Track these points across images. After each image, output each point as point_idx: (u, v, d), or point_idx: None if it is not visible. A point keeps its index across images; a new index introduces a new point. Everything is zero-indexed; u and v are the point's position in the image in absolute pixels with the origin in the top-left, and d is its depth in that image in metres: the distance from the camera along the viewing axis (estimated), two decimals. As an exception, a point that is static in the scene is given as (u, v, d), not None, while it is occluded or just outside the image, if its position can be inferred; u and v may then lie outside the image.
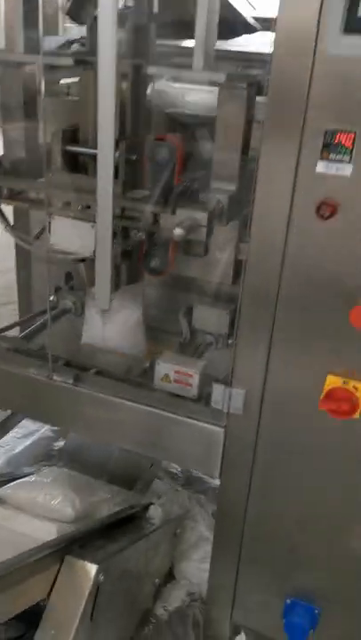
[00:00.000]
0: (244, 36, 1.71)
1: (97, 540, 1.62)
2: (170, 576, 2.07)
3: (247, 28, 1.69)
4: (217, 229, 1.51)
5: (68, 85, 1.86)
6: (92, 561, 1.44)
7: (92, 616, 1.44)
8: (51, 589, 1.42)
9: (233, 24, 1.61)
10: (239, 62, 1.67)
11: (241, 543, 1.63)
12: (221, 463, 1.56)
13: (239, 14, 1.63)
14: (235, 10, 1.63)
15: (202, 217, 1.44)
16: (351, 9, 1.05)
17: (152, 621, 1.92)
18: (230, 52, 1.74)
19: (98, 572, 1.43)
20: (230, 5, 1.62)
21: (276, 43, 1.12)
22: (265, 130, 1.20)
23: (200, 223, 1.44)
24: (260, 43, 1.70)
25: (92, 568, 1.43)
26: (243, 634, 1.87)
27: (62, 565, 1.43)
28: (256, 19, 1.75)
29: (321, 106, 1.13)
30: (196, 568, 2.05)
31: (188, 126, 1.66)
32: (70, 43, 1.76)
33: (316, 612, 1.59)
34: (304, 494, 1.49)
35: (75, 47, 1.76)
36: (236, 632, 1.87)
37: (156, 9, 1.55)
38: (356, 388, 1.31)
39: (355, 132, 1.12)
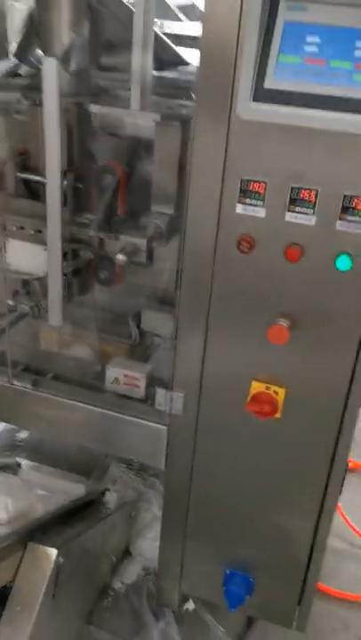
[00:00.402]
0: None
1: (57, 526, 1.82)
2: (126, 553, 2.29)
3: (180, 62, 1.85)
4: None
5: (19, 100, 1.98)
6: (52, 545, 1.65)
7: (54, 594, 1.65)
8: (16, 573, 1.62)
9: (166, 59, 1.77)
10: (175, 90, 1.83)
11: (186, 523, 1.85)
12: (166, 456, 1.77)
13: (172, 49, 1.79)
14: (168, 45, 1.78)
15: (141, 243, 1.62)
16: (259, 81, 1.23)
17: (110, 594, 2.15)
18: (166, 79, 1.89)
19: (58, 556, 1.64)
20: (164, 42, 1.78)
21: (198, 103, 1.30)
22: (192, 174, 1.38)
23: (140, 248, 1.63)
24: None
25: (53, 552, 1.63)
26: (191, 601, 2.12)
27: (25, 551, 1.63)
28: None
29: (237, 159, 1.32)
30: (150, 545, 2.27)
31: (132, 150, 1.81)
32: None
33: (251, 580, 1.84)
34: (235, 480, 1.71)
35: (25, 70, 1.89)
36: (184, 600, 2.11)
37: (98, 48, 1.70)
38: (276, 393, 1.53)
39: (265, 182, 1.31)
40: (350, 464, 2.81)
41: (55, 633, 1.78)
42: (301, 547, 1.73)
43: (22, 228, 1.72)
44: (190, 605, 2.11)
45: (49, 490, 2.00)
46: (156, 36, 1.75)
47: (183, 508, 1.83)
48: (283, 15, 1.20)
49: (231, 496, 1.75)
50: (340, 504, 2.49)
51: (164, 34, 1.81)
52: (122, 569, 2.24)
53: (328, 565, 2.33)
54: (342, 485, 1.66)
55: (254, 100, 1.25)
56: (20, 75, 1.90)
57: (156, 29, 1.72)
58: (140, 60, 1.55)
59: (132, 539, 2.32)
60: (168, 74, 1.79)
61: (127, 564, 2.26)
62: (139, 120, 1.62)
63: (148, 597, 2.12)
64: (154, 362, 1.99)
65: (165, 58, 1.80)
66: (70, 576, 1.74)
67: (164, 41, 1.77)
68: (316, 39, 1.20)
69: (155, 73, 1.76)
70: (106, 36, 1.66)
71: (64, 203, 1.67)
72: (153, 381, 1.83)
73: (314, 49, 1.20)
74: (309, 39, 1.20)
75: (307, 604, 1.83)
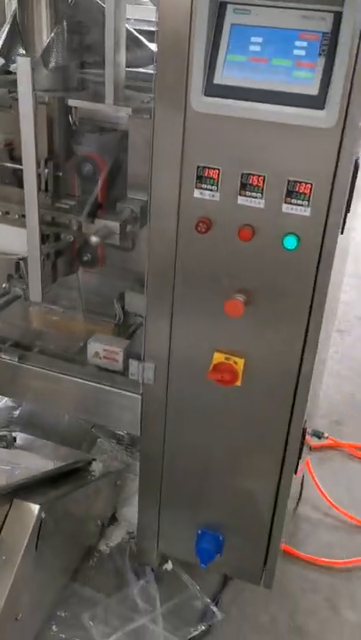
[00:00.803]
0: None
1: (43, 487, 1.99)
2: (114, 519, 2.45)
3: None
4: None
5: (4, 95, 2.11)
6: (35, 502, 1.81)
7: (37, 546, 1.81)
8: (2, 526, 1.78)
9: (141, 56, 1.90)
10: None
11: (161, 487, 2.00)
12: (141, 423, 1.93)
13: (146, 47, 1.92)
14: (142, 43, 1.92)
15: (115, 226, 1.77)
16: (209, 77, 1.37)
17: (96, 555, 2.31)
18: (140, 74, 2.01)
19: (40, 511, 1.80)
20: (138, 39, 1.91)
21: (156, 97, 1.44)
22: (153, 162, 1.52)
23: (114, 231, 1.78)
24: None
25: (35, 508, 1.80)
26: (170, 562, 2.28)
27: (11, 507, 1.80)
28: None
29: (193, 148, 1.46)
30: (135, 512, 2.41)
31: (110, 141, 1.95)
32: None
33: (221, 538, 1.98)
34: (203, 445, 1.86)
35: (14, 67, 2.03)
36: (164, 560, 2.27)
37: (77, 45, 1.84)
38: (235, 362, 1.67)
39: (219, 169, 1.45)
40: (332, 442, 2.96)
41: (39, 585, 1.95)
42: (265, 508, 1.87)
43: (7, 213, 1.88)
44: (169, 566, 2.26)
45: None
46: (132, 34, 1.89)
47: (158, 473, 1.98)
48: (230, 18, 1.34)
49: (200, 461, 1.89)
50: (317, 478, 2.65)
51: (142, 31, 1.94)
52: (108, 533, 2.40)
53: (303, 532, 2.49)
54: (301, 449, 1.80)
55: (206, 94, 1.38)
56: (10, 72, 2.05)
57: (130, 28, 1.85)
58: (113, 58, 1.68)
59: (119, 506, 2.48)
60: (143, 70, 1.92)
61: (113, 529, 2.42)
62: (114, 113, 1.76)
63: (131, 558, 2.28)
64: (137, 339, 2.13)
65: (142, 54, 1.93)
66: (53, 532, 1.90)
67: (139, 39, 1.90)
68: (260, 39, 1.33)
69: (133, 70, 1.90)
70: (83, 35, 1.79)
71: (45, 189, 1.82)
72: (131, 356, 1.98)
73: (258, 48, 1.34)
74: (254, 40, 1.34)
75: (272, 563, 1.97)
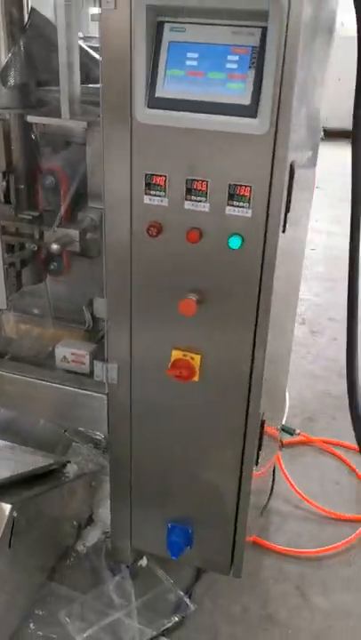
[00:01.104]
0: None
1: (16, 488, 2.06)
2: (91, 520, 2.52)
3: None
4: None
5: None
6: (7, 502, 1.88)
7: (10, 545, 1.88)
8: (-24, 525, 1.86)
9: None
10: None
11: (130, 484, 2.07)
12: (108, 423, 2.00)
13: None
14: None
15: (75, 234, 1.86)
16: (151, 91, 1.47)
17: (73, 555, 2.38)
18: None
19: (12, 510, 1.87)
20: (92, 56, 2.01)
21: (104, 110, 1.54)
22: (106, 171, 1.62)
23: (74, 239, 1.86)
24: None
25: (7, 507, 1.87)
26: (144, 558, 2.35)
27: (-16, 507, 1.87)
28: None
29: (140, 157, 1.55)
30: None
31: (70, 153, 2.04)
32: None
33: (190, 531, 2.06)
34: (168, 441, 1.94)
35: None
36: (139, 557, 2.34)
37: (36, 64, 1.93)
38: (192, 359, 1.76)
39: (165, 176, 1.55)
40: (303, 438, 3.05)
41: (14, 583, 2.01)
42: (229, 501, 1.95)
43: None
44: (144, 562, 2.33)
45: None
46: (87, 52, 1.99)
47: (127, 472, 2.05)
48: (167, 36, 1.44)
49: (164, 457, 1.97)
50: (288, 473, 2.73)
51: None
52: (85, 534, 2.46)
53: (274, 525, 2.57)
54: (261, 442, 1.88)
55: (149, 106, 1.48)
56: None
57: (85, 45, 1.96)
58: (67, 74, 1.78)
59: (95, 507, 2.54)
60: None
61: (90, 530, 2.48)
62: (72, 127, 1.85)
63: (107, 556, 2.35)
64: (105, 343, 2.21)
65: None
66: (26, 531, 1.97)
67: (94, 56, 2.00)
68: (196, 55, 1.43)
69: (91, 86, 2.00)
70: (41, 54, 1.89)
71: (7, 201, 1.91)
72: (98, 358, 2.05)
73: (194, 63, 1.44)
74: (190, 55, 1.44)
75: (239, 553, 2.05)
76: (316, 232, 5.25)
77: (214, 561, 2.11)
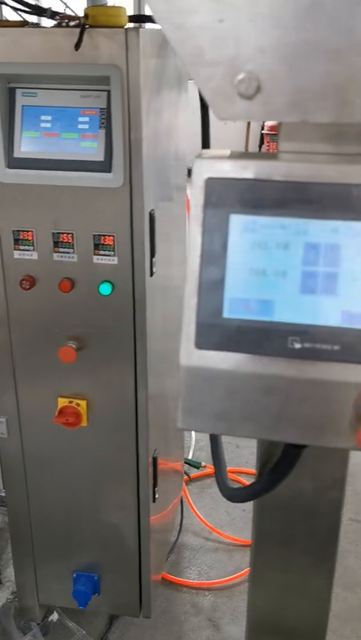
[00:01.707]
0: None
1: None
2: (-1, 582, 2.44)
3: None
4: None
5: None
6: None
7: None
8: None
9: None
10: None
11: (32, 538, 2.05)
12: (2, 477, 1.98)
13: None
14: None
15: None
16: (9, 152, 1.53)
17: (-20, 621, 2.29)
18: None
19: None
20: None
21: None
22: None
23: None
24: None
25: None
26: (55, 612, 2.30)
27: None
28: None
29: (7, 214, 1.60)
30: (18, 570, 2.44)
31: None
32: None
33: (96, 578, 2.05)
34: (65, 489, 1.94)
35: None
36: (49, 612, 2.29)
37: None
38: (79, 405, 1.79)
39: (32, 231, 1.60)
40: (209, 471, 3.12)
41: None
42: (131, 540, 1.97)
43: None
44: (54, 616, 2.28)
45: None
46: None
47: (27, 526, 2.03)
48: (20, 100, 1.52)
49: (62, 506, 1.97)
50: (197, 507, 2.78)
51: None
52: (-7, 597, 2.38)
53: (185, 560, 2.60)
54: (155, 479, 1.93)
55: (8, 167, 1.54)
56: None
57: None
58: None
59: (3, 568, 2.47)
60: None
61: (-2, 592, 2.41)
62: None
63: (15, 616, 2.28)
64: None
65: None
66: None
67: None
68: (49, 117, 1.52)
69: None
70: None
71: None
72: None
73: (48, 125, 1.52)
74: (44, 118, 1.52)
75: (147, 593, 2.06)
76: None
77: (123, 605, 2.11)
